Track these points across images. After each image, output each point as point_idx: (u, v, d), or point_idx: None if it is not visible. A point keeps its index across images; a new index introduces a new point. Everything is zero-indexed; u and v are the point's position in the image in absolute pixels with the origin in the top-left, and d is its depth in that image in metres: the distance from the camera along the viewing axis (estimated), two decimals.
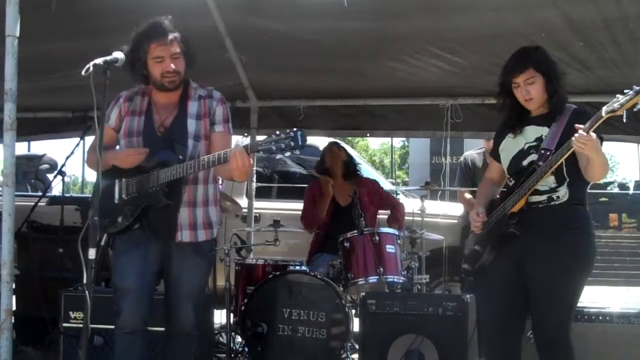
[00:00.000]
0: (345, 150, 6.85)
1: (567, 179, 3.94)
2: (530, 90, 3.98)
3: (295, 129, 3.84)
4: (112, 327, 4.30)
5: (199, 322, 4.32)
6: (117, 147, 4.31)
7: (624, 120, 3.67)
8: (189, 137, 4.17)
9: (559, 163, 3.80)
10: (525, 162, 4.03)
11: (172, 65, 4.09)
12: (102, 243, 3.83)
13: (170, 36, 4.10)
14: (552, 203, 3.97)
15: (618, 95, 3.61)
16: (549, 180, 3.94)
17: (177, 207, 4.15)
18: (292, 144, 3.81)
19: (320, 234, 6.38)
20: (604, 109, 3.61)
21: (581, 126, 3.65)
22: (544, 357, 4.02)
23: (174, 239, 4.15)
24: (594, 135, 3.64)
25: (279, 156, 3.88)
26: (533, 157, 3.99)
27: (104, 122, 3.86)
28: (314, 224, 6.41)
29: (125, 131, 4.22)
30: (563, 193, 3.95)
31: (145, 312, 4.17)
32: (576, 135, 3.64)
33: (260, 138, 4.02)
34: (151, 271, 4.19)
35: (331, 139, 7.23)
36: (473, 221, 4.19)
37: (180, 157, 4.08)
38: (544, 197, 3.98)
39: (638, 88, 3.58)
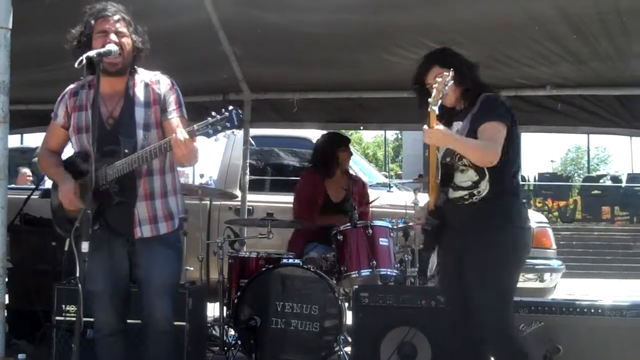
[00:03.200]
0: (348, 141, 6.86)
1: (487, 174, 3.97)
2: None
3: (231, 108, 3.69)
4: None
5: (178, 316, 4.26)
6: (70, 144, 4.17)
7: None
8: (138, 127, 3.98)
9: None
10: (442, 159, 4.15)
11: (115, 37, 3.89)
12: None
13: (118, 16, 3.96)
14: (475, 198, 4.01)
15: None
16: (471, 174, 3.99)
17: (133, 202, 4.00)
18: (228, 124, 3.66)
19: (310, 228, 6.35)
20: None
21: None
22: (492, 353, 4.09)
23: (134, 235, 4.01)
24: (440, 127, 3.80)
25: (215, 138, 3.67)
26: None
27: (97, 115, 3.78)
28: (309, 217, 6.39)
29: (74, 127, 4.04)
30: (484, 187, 3.99)
31: (120, 312, 4.09)
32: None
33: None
34: (120, 270, 4.07)
35: (330, 131, 7.18)
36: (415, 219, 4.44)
37: (126, 150, 3.90)
38: (465, 193, 4.03)
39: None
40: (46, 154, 4.22)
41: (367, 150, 41.86)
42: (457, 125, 4.09)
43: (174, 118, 4.04)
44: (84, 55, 3.66)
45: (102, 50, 3.77)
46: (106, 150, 3.91)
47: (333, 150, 6.57)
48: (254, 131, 7.81)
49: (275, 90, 7.52)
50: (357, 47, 6.18)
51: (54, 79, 6.48)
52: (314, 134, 8.04)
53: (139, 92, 4.06)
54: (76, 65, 3.63)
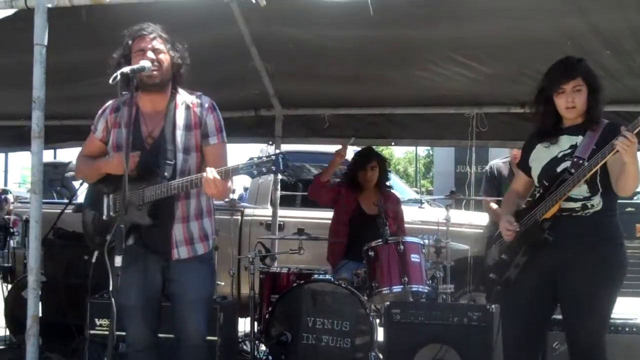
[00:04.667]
0: (383, 163, 6.80)
1: (600, 190, 3.92)
2: (575, 98, 3.97)
3: (278, 152, 3.82)
4: None
5: (210, 331, 4.24)
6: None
7: None
8: (178, 150, 4.02)
9: (597, 167, 3.78)
10: (559, 169, 4.01)
11: (152, 55, 3.95)
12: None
13: (153, 34, 4.01)
14: (587, 211, 3.95)
15: None
16: (582, 190, 3.92)
17: (171, 224, 4.04)
18: (273, 168, 3.75)
19: (343, 242, 6.35)
20: None
21: (625, 128, 3.65)
22: None
23: (171, 256, 4.04)
24: (635, 140, 3.64)
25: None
26: (567, 164, 3.96)
27: (130, 130, 3.80)
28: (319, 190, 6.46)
29: (113, 144, 4.09)
30: (597, 202, 3.94)
31: (153, 327, 4.13)
32: (621, 136, 3.62)
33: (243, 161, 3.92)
34: (153, 285, 4.10)
35: (361, 148, 7.18)
36: (505, 229, 4.14)
37: (166, 174, 3.95)
38: (578, 205, 3.95)
39: None
40: (84, 159, 4.27)
41: (398, 166, 41.75)
42: (574, 139, 4.01)
43: (215, 144, 4.11)
44: (118, 72, 3.69)
45: (135, 66, 3.80)
46: (144, 170, 3.97)
47: (361, 167, 6.57)
48: (285, 147, 7.81)
49: (306, 106, 7.54)
50: (387, 63, 6.16)
51: (88, 94, 6.57)
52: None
53: (180, 114, 4.09)
54: (110, 81, 3.66)
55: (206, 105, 4.13)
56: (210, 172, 3.79)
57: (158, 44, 4.00)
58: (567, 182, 3.86)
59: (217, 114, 4.16)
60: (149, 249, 4.05)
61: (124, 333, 4.14)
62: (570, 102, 3.98)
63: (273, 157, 3.77)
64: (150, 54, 3.94)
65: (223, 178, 3.83)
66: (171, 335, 4.17)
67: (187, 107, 4.11)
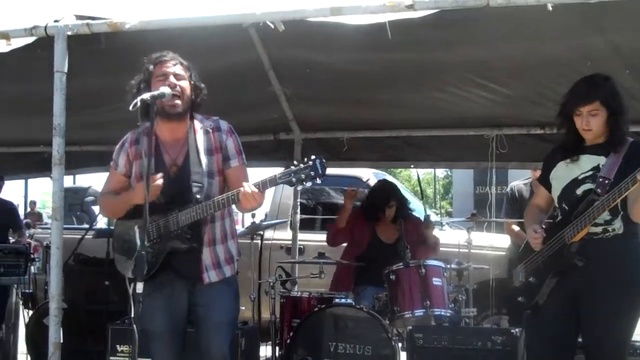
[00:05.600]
0: (401, 199, 6.73)
1: (621, 212, 3.87)
2: (590, 122, 3.94)
3: (314, 157, 3.75)
4: None
5: (231, 357, 4.19)
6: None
7: None
8: (203, 175, 4.05)
9: (629, 192, 3.71)
10: (579, 191, 3.97)
11: (174, 80, 3.97)
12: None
13: (175, 60, 4.04)
14: (607, 235, 3.91)
15: None
16: (604, 214, 3.87)
17: (201, 248, 4.06)
18: (312, 173, 3.74)
19: (362, 267, 6.30)
20: None
21: None
22: None
23: (202, 281, 4.05)
24: None
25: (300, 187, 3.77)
26: (589, 185, 3.92)
27: (150, 155, 3.76)
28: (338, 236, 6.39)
29: (136, 175, 4.08)
30: (618, 226, 3.90)
31: (178, 353, 4.12)
32: None
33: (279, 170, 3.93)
34: (180, 312, 4.10)
35: (381, 181, 7.14)
36: (532, 238, 4.10)
37: (198, 197, 3.98)
38: (599, 229, 3.92)
39: None
40: (108, 196, 4.24)
41: (417, 188, 41.63)
42: (595, 160, 3.98)
43: (236, 167, 4.14)
44: (138, 99, 3.68)
45: (155, 93, 3.79)
46: (175, 195, 3.99)
47: (379, 207, 6.52)
48: None
49: (325, 130, 7.54)
50: (405, 85, 6.16)
51: (108, 120, 6.62)
52: (365, 173, 8.03)
53: (200, 139, 4.10)
54: (130, 108, 3.66)
55: (225, 128, 4.16)
56: (248, 187, 3.81)
57: (179, 69, 4.02)
58: (597, 205, 3.81)
59: (236, 137, 4.19)
60: (178, 273, 4.06)
61: (144, 359, 4.11)
62: (585, 124, 3.96)
63: (310, 162, 3.74)
64: (172, 79, 3.96)
65: (261, 190, 3.84)
66: None
67: (207, 132, 4.12)
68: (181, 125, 4.09)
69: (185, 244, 3.99)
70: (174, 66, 4.01)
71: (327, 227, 6.74)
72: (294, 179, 3.75)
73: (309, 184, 3.79)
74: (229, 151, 4.13)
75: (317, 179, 3.76)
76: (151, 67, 4.01)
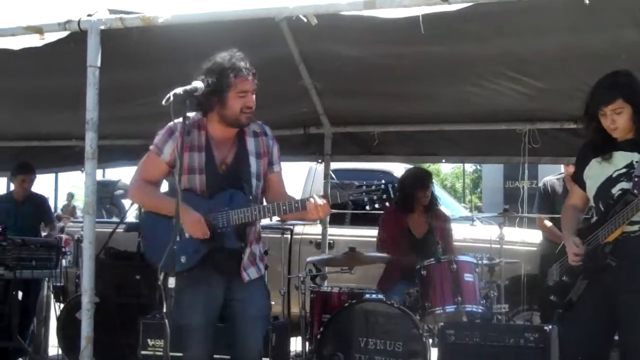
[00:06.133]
0: (432, 183, 6.68)
1: None
2: (616, 120, 3.90)
3: (384, 182, 3.91)
4: None
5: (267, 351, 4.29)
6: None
7: None
8: (252, 176, 4.12)
9: None
10: (615, 190, 3.92)
11: (253, 98, 4.03)
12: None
13: (252, 72, 4.05)
14: None
15: None
16: (638, 212, 3.81)
17: (245, 249, 4.12)
18: (385, 196, 3.89)
19: (397, 264, 6.25)
20: None
21: None
22: None
23: (242, 279, 4.09)
24: None
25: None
26: (624, 184, 3.87)
27: (183, 149, 3.80)
28: (395, 253, 6.27)
29: (185, 167, 4.00)
30: None
31: (212, 348, 4.13)
32: None
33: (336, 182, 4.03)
34: (215, 305, 4.11)
35: (411, 168, 7.09)
36: (573, 254, 4.05)
37: (250, 197, 4.05)
38: (635, 227, 3.86)
39: None
40: (144, 185, 4.17)
41: (446, 182, 41.48)
42: (629, 157, 3.94)
43: (278, 172, 4.28)
44: (171, 93, 3.67)
45: (188, 87, 3.79)
46: (223, 194, 4.03)
47: (412, 189, 6.44)
48: (334, 164, 7.78)
49: (355, 124, 7.51)
50: (437, 79, 6.12)
51: (139, 115, 6.65)
52: (396, 167, 7.98)
53: (250, 142, 4.19)
54: (163, 102, 3.65)
55: (270, 134, 4.27)
56: (319, 199, 3.89)
57: (254, 84, 4.06)
58: (632, 205, 3.76)
59: (277, 143, 4.32)
60: (217, 269, 4.07)
61: (177, 354, 4.12)
62: (611, 123, 3.92)
63: (383, 185, 3.89)
64: (252, 98, 4.03)
65: (329, 203, 3.94)
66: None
67: (255, 135, 4.21)
68: (232, 127, 4.14)
69: (233, 244, 4.03)
70: (253, 80, 4.04)
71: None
72: (365, 199, 3.90)
73: (376, 205, 3.92)
74: (274, 156, 4.25)
75: (387, 203, 3.94)
76: (232, 77, 3.96)
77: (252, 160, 4.15)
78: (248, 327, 4.12)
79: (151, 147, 4.12)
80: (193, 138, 4.07)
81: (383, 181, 3.90)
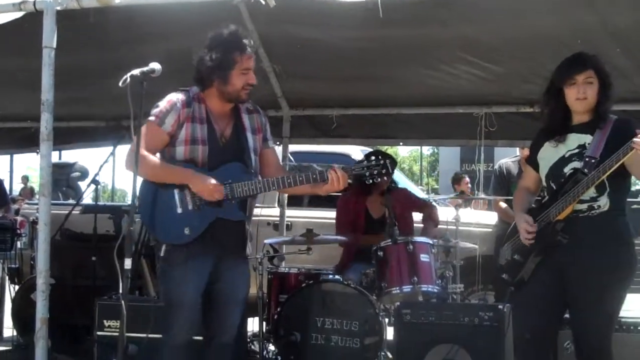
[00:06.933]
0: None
1: (608, 189, 3.89)
2: (587, 90, 3.95)
3: (387, 159, 4.02)
4: (145, 335, 4.29)
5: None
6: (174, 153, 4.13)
7: None
8: (251, 150, 4.20)
9: (612, 170, 3.74)
10: (567, 169, 3.99)
11: (254, 76, 4.10)
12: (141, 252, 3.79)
13: (255, 50, 4.16)
14: (593, 212, 3.93)
15: None
16: (589, 191, 3.89)
17: (247, 221, 4.20)
18: (384, 171, 3.99)
19: (354, 245, 6.30)
20: None
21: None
22: None
23: (244, 253, 4.21)
24: None
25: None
26: (576, 164, 3.95)
27: (140, 132, 3.81)
28: (351, 235, 6.33)
29: (187, 138, 4.07)
30: (604, 202, 3.91)
31: (198, 324, 4.16)
32: (637, 139, 3.58)
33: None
34: (204, 283, 4.12)
35: (371, 151, 7.11)
36: (525, 231, 4.11)
37: (253, 171, 4.13)
38: (584, 206, 3.94)
39: None
40: (153, 158, 4.09)
41: (403, 165, 41.72)
42: (582, 138, 4.01)
43: (272, 147, 4.44)
44: (128, 74, 3.70)
45: (145, 69, 3.81)
46: (225, 166, 4.08)
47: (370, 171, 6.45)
48: (292, 147, 7.80)
49: (314, 107, 7.52)
50: (396, 63, 6.16)
51: (95, 96, 6.59)
52: (354, 150, 8.02)
53: (245, 118, 4.27)
54: (120, 84, 3.65)
55: (262, 112, 4.40)
56: (340, 170, 4.00)
57: (255, 61, 4.16)
58: (582, 183, 3.84)
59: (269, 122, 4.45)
60: (221, 247, 4.11)
61: (132, 334, 4.15)
62: (581, 93, 3.96)
63: (382, 161, 4.00)
64: (253, 76, 4.10)
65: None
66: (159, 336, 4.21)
67: (249, 112, 4.30)
68: (229, 103, 4.21)
69: (237, 215, 4.09)
70: (255, 60, 4.13)
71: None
72: (367, 173, 4.00)
73: (378, 179, 4.02)
74: (267, 133, 4.37)
75: (387, 177, 4.05)
76: (237, 54, 4.02)
77: (249, 135, 4.22)
78: (230, 309, 4.21)
79: (150, 118, 4.06)
80: (194, 110, 4.11)
81: (381, 157, 4.00)
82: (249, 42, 4.09)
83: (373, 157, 4.03)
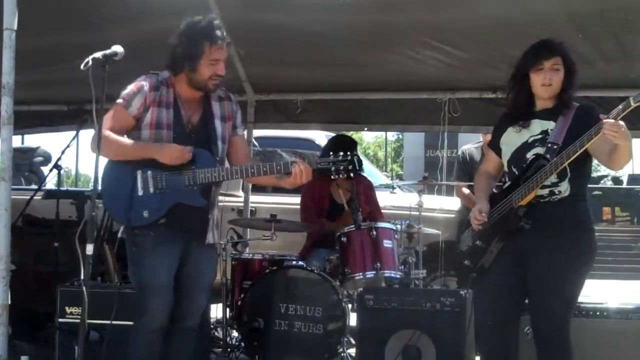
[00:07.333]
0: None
1: (569, 175, 3.92)
2: (553, 77, 3.96)
3: (353, 154, 4.01)
4: (107, 322, 4.25)
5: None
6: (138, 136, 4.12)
7: None
8: (218, 138, 4.19)
9: (577, 154, 3.77)
10: (529, 155, 4.01)
11: (223, 68, 4.09)
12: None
13: (227, 42, 4.11)
14: (554, 197, 3.96)
15: None
16: (551, 176, 3.92)
17: (211, 209, 4.20)
18: (350, 167, 3.98)
19: (318, 231, 6.30)
20: (633, 97, 3.57)
21: (605, 116, 3.63)
22: (542, 352, 4.02)
23: (205, 240, 4.18)
24: (622, 122, 3.60)
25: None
26: (538, 150, 3.98)
27: (102, 116, 3.77)
28: (317, 220, 6.33)
29: (152, 122, 4.07)
30: (564, 188, 3.94)
31: (171, 309, 4.14)
32: (606, 123, 3.58)
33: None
34: (175, 267, 4.12)
35: (335, 135, 7.11)
36: (475, 219, 4.15)
37: (218, 159, 4.11)
38: (546, 191, 3.96)
39: None
40: (116, 137, 4.05)
41: (368, 151, 41.80)
42: (545, 124, 4.02)
43: (242, 135, 4.46)
44: (90, 57, 3.66)
45: (107, 52, 3.76)
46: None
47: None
48: (257, 132, 7.78)
49: (278, 91, 7.49)
50: (360, 48, 6.16)
51: (57, 79, 6.50)
52: (318, 135, 8.02)
53: (215, 106, 4.26)
54: (82, 67, 3.62)
55: (234, 99, 4.38)
56: (304, 164, 4.00)
57: (227, 53, 4.15)
58: (545, 169, 3.87)
59: (240, 109, 4.43)
60: (185, 232, 4.11)
61: (94, 321, 4.13)
62: (547, 79, 3.97)
63: (349, 157, 3.99)
64: (222, 67, 4.07)
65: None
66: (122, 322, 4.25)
67: (220, 100, 4.28)
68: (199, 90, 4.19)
69: (197, 201, 4.06)
70: (226, 51, 4.13)
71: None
72: (332, 168, 4.00)
73: (343, 175, 4.02)
74: (237, 121, 4.35)
75: (353, 174, 4.04)
76: (207, 45, 4.00)
77: (218, 122, 4.21)
78: (196, 294, 4.24)
79: (118, 100, 4.07)
80: (162, 94, 4.10)
81: (354, 153, 4.00)
82: (221, 34, 4.04)
83: (341, 153, 4.03)
